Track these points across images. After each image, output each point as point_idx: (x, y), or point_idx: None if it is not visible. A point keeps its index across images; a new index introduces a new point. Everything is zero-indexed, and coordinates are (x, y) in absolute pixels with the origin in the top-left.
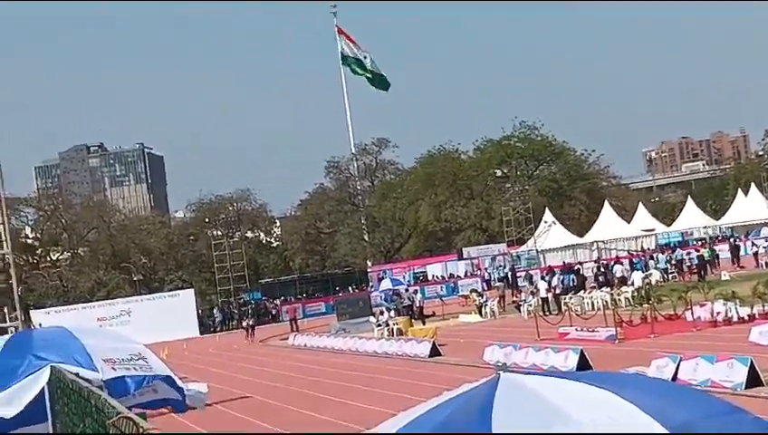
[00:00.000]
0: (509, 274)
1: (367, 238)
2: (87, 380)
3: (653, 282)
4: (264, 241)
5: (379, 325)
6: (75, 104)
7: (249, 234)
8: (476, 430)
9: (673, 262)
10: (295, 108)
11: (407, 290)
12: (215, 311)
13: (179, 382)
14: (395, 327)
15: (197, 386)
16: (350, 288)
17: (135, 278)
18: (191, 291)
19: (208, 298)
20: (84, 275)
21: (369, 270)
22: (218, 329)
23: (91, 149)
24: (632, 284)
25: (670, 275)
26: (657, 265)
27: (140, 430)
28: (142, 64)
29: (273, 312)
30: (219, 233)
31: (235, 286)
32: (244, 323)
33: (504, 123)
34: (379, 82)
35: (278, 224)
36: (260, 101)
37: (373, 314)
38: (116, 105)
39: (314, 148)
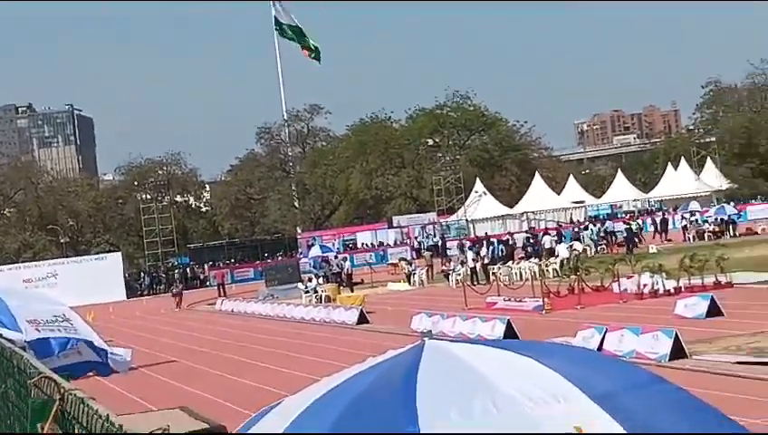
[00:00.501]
0: (438, 243)
1: (297, 205)
2: (10, 340)
3: (576, 254)
4: (193, 206)
5: (308, 292)
6: (3, 65)
7: (178, 198)
8: (400, 396)
9: (602, 234)
10: (227, 73)
11: (336, 257)
12: (142, 275)
13: (103, 345)
14: (323, 294)
15: (122, 350)
16: (279, 255)
17: (62, 240)
18: (118, 254)
19: (136, 262)
20: (11, 236)
21: (298, 237)
22: (145, 293)
23: (20, 109)
24: (557, 255)
25: (598, 247)
26: (588, 237)
27: (62, 391)
28: (72, 25)
29: (201, 277)
30: (148, 197)
31: (163, 251)
32: (174, 289)
33: (436, 93)
34: (313, 52)
35: (208, 189)
36: (192, 65)
37: (302, 281)
38: (45, 66)
39: (246, 113)
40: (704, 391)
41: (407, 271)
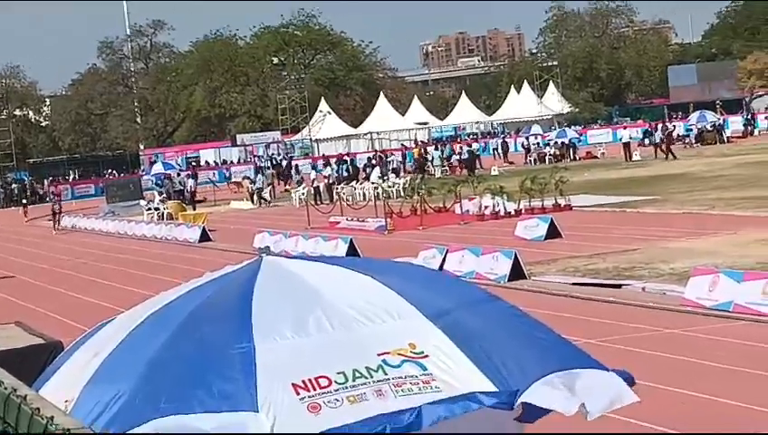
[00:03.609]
0: (282, 162)
1: (139, 121)
2: None
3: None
4: (32, 120)
5: (149, 209)
6: None
7: (17, 112)
8: (236, 312)
9: (444, 156)
10: None
11: (178, 175)
12: None
13: None
14: (165, 212)
15: None
16: (121, 172)
17: None
18: None
19: None
20: None
21: (140, 153)
22: None
23: None
24: (365, 179)
25: (440, 170)
26: (438, 157)
27: None
28: None
29: (41, 192)
30: None
31: (2, 165)
32: (24, 202)
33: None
34: None
35: (48, 103)
36: None
37: (144, 198)
38: None
39: (87, 27)
40: (540, 311)
41: (250, 190)
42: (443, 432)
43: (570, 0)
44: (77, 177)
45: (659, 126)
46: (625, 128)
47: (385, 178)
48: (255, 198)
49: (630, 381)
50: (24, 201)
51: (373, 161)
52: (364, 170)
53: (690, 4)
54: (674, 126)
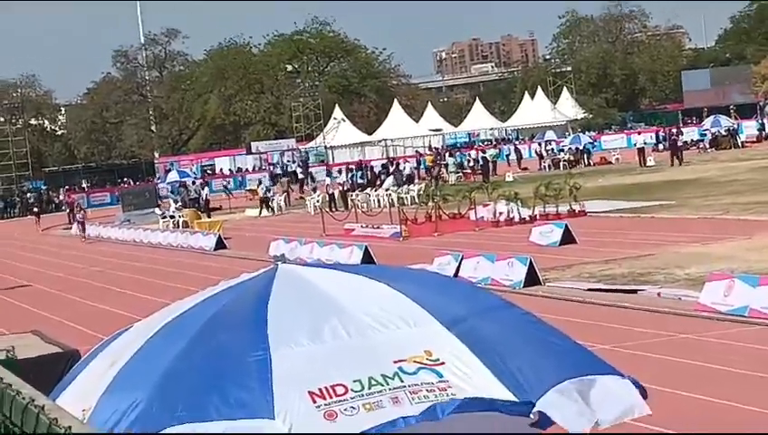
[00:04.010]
0: (297, 169)
1: (154, 129)
2: None
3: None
4: (48, 129)
5: (165, 217)
6: None
7: (33, 121)
8: (251, 321)
9: (456, 162)
10: None
11: (194, 183)
12: None
13: None
14: (180, 220)
15: None
16: (136, 180)
17: None
18: None
19: None
20: None
21: (156, 162)
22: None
23: None
24: (379, 186)
25: (455, 176)
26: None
27: None
28: None
29: (57, 201)
30: (2, 119)
31: (18, 174)
32: (35, 210)
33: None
34: None
35: (63, 112)
36: None
37: (159, 206)
38: None
39: (103, 36)
40: (555, 317)
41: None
42: (451, 432)
43: (583, 1)
44: (91, 185)
45: (667, 132)
46: (639, 133)
47: (399, 185)
48: (271, 205)
49: (644, 393)
50: (36, 210)
51: (390, 168)
52: (378, 177)
53: (703, 5)
54: (679, 132)
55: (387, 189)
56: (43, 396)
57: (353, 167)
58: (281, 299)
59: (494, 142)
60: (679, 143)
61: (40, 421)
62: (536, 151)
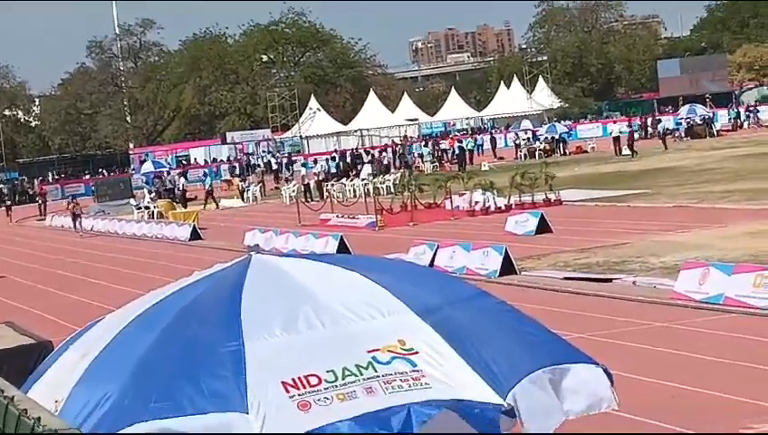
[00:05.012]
0: (272, 160)
1: (129, 120)
2: None
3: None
4: (22, 120)
5: (140, 208)
6: None
7: (7, 112)
8: (225, 309)
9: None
10: None
11: (168, 173)
12: None
13: None
14: (156, 210)
15: None
16: (110, 170)
17: None
18: None
19: None
20: None
21: (130, 152)
22: None
23: None
24: (355, 176)
25: (431, 165)
26: (427, 153)
27: None
28: None
29: (31, 192)
30: None
31: None
32: (8, 203)
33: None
34: None
35: (37, 103)
36: None
37: (134, 197)
38: None
39: (77, 27)
40: (531, 306)
41: (240, 187)
42: (434, 432)
43: None
44: (66, 176)
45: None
46: (615, 122)
47: (375, 175)
48: (246, 195)
49: (611, 380)
50: (9, 202)
51: (366, 158)
52: (354, 167)
53: None
54: (658, 120)
55: (363, 179)
56: (13, 387)
57: (336, 156)
58: (255, 289)
59: (470, 132)
60: (660, 131)
61: (9, 412)
62: (513, 141)
